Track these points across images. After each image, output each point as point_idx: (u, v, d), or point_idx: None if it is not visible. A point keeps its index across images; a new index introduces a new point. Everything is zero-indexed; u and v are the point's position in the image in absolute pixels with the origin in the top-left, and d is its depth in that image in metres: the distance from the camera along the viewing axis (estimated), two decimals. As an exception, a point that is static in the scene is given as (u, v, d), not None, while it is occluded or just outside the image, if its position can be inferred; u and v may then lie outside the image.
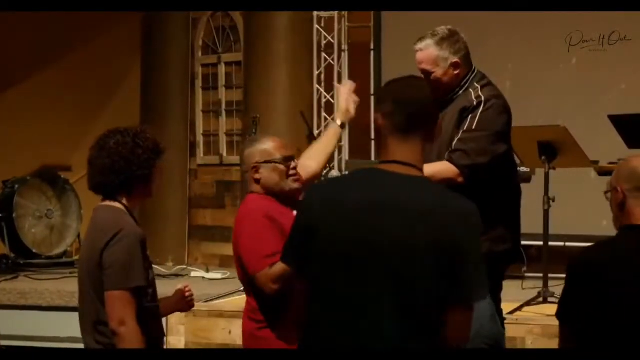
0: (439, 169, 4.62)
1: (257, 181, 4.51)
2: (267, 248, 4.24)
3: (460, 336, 3.06)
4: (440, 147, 4.71)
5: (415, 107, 3.15)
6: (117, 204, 4.03)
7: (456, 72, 4.89)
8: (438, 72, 4.87)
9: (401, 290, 2.99)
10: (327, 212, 3.07)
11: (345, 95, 5.02)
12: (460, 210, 3.07)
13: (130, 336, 3.84)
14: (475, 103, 4.79)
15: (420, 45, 4.94)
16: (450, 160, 4.68)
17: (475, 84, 4.91)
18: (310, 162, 4.75)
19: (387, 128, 3.14)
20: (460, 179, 4.66)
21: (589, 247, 3.70)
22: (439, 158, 4.72)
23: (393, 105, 3.16)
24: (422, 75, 4.88)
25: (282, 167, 4.50)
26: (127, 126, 4.15)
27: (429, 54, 4.89)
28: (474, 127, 4.74)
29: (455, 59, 4.88)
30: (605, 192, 3.76)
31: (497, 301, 4.90)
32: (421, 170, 3.12)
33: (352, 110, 5.00)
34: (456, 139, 4.74)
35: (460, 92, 4.90)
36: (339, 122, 5.00)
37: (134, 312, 3.85)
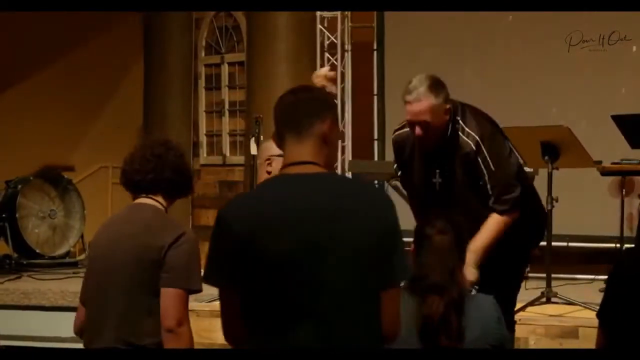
0: (496, 228, 4.88)
1: (269, 173, 4.59)
2: None
3: (392, 324, 3.11)
4: (460, 193, 4.94)
5: (292, 109, 3.22)
6: (157, 204, 4.11)
7: (447, 117, 4.93)
8: (435, 120, 4.89)
9: (343, 286, 3.03)
10: (250, 225, 3.08)
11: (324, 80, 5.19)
12: (379, 196, 3.18)
13: (186, 337, 3.91)
14: (474, 146, 4.90)
15: (413, 96, 4.90)
16: (497, 213, 4.90)
17: (457, 119, 4.98)
18: None
19: (281, 136, 3.23)
20: (512, 217, 4.92)
21: (632, 248, 3.68)
22: (465, 204, 4.90)
23: (280, 112, 3.24)
24: (415, 125, 4.93)
25: None
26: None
27: (427, 105, 4.88)
28: (493, 168, 4.90)
29: (447, 106, 4.91)
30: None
31: (514, 302, 5.18)
32: (321, 166, 3.17)
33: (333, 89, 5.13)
34: (489, 190, 4.91)
35: (449, 133, 4.95)
36: None
37: (187, 313, 3.92)
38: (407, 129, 5.07)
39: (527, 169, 7.86)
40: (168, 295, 3.89)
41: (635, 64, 8.71)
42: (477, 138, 4.90)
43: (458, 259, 3.82)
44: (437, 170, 4.99)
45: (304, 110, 3.21)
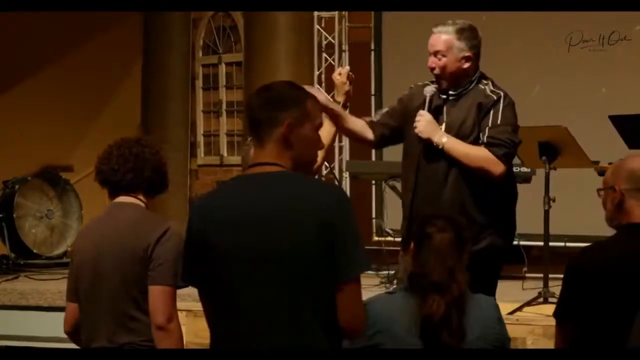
0: (483, 154, 4.84)
1: None
2: None
3: (353, 319, 3.11)
4: (459, 139, 4.89)
5: (250, 112, 3.28)
6: (139, 202, 4.12)
7: (465, 65, 4.94)
8: (449, 58, 4.92)
9: (295, 285, 3.07)
10: (211, 223, 3.16)
11: (342, 78, 5.13)
12: (327, 190, 3.20)
13: (176, 333, 3.94)
14: (494, 98, 4.94)
15: (439, 29, 4.97)
16: (490, 151, 4.85)
17: (483, 80, 4.99)
18: None
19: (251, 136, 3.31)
20: (500, 169, 4.87)
21: (587, 246, 3.71)
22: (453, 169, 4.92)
23: (245, 116, 3.34)
24: (431, 58, 4.95)
25: None
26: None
27: (446, 38, 4.94)
28: (499, 122, 4.90)
29: (468, 53, 4.93)
30: (599, 190, 3.76)
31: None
32: (281, 166, 3.20)
33: (348, 86, 5.10)
34: (486, 133, 4.88)
35: (470, 87, 4.95)
36: (340, 100, 5.08)
37: (175, 308, 3.94)
38: (429, 84, 5.08)
39: (524, 169, 7.91)
40: (156, 293, 3.91)
41: (636, 64, 8.71)
42: (502, 94, 4.96)
43: (458, 259, 3.82)
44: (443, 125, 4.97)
45: (261, 115, 3.24)
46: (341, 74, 5.16)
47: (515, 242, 8.14)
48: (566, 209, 7.40)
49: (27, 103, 11.00)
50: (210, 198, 3.29)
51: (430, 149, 4.92)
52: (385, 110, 5.32)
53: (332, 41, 9.78)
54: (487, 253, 4.96)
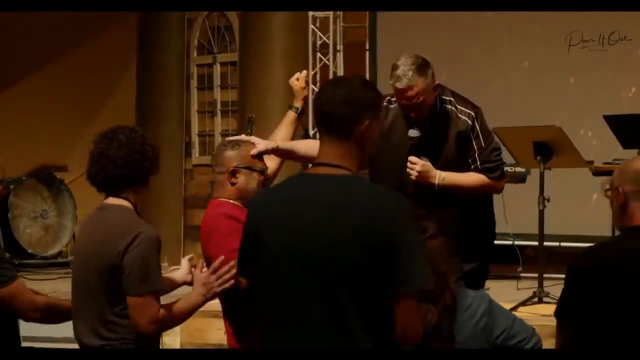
0: (484, 182, 4.99)
1: (233, 184, 4.41)
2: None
3: (407, 331, 3.07)
4: (444, 168, 4.97)
5: (328, 108, 3.16)
6: (125, 202, 4.01)
7: (435, 92, 4.98)
8: (426, 98, 4.94)
9: (340, 289, 3.02)
10: (266, 221, 3.12)
11: (301, 83, 5.08)
12: (389, 202, 3.10)
13: (156, 337, 3.97)
14: (469, 122, 5.00)
15: (405, 83, 4.91)
16: (489, 177, 5.02)
17: (443, 97, 5.02)
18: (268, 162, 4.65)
19: (318, 131, 3.21)
20: (500, 186, 5.10)
21: (590, 247, 3.70)
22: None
23: (315, 108, 3.21)
24: (408, 108, 4.99)
25: (260, 177, 4.43)
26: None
27: (420, 89, 4.93)
28: (484, 145, 5.00)
29: (435, 83, 4.96)
30: (606, 191, 3.73)
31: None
32: (348, 169, 3.13)
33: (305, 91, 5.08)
34: (478, 161, 5.00)
35: (438, 107, 4.99)
36: (297, 106, 5.03)
37: (157, 312, 3.87)
38: (394, 105, 5.10)
39: (519, 169, 7.92)
40: (130, 302, 3.85)
41: (636, 64, 8.72)
42: (473, 114, 5.00)
43: (449, 261, 3.77)
44: (421, 151, 5.00)
45: (340, 111, 3.13)
46: (299, 79, 5.10)
47: (509, 242, 8.19)
48: (561, 208, 7.42)
49: (23, 104, 10.99)
50: (267, 195, 3.26)
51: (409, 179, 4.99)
52: None
53: (327, 41, 9.77)
54: (478, 272, 5.07)
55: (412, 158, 4.96)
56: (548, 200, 6.67)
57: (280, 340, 3.10)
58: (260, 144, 4.53)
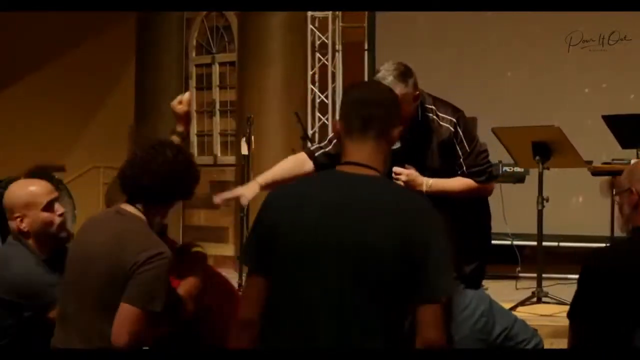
0: (472, 187, 4.91)
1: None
2: None
3: (432, 336, 3.04)
4: (431, 177, 4.91)
5: (366, 108, 3.16)
6: (140, 214, 3.91)
7: (416, 103, 4.94)
8: (407, 108, 4.91)
9: (363, 289, 3.01)
10: (288, 214, 3.10)
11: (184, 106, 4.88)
12: (420, 207, 3.10)
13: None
14: (452, 129, 4.93)
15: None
16: (476, 181, 4.95)
17: (426, 106, 4.99)
18: None
19: (344, 130, 3.17)
20: (489, 189, 5.01)
21: (602, 247, 3.69)
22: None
23: (348, 107, 3.18)
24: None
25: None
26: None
27: (398, 94, 4.90)
28: (468, 149, 4.93)
29: (416, 92, 4.92)
30: (615, 194, 3.72)
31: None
32: (378, 170, 3.14)
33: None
34: (464, 166, 4.93)
35: (419, 118, 4.96)
36: (180, 130, 4.83)
37: (141, 331, 3.75)
38: None
39: (518, 169, 7.91)
40: (122, 311, 3.74)
41: (636, 64, 8.73)
42: (454, 120, 4.94)
43: None
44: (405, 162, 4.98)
45: (378, 111, 3.15)
46: (182, 102, 4.88)
47: (508, 242, 8.19)
48: (560, 208, 7.41)
49: (21, 104, 10.99)
50: (292, 190, 3.21)
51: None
52: (332, 140, 5.25)
53: (326, 41, 9.78)
54: (476, 274, 5.05)
55: (396, 169, 4.93)
56: (547, 200, 6.66)
57: (285, 337, 3.07)
58: (245, 196, 4.58)
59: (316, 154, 5.08)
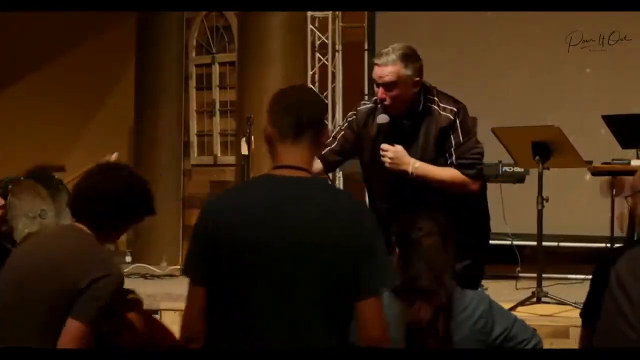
0: (457, 178, 4.91)
1: None
2: None
3: (375, 333, 3.08)
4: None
5: (300, 111, 3.19)
6: (87, 229, 3.89)
7: (415, 90, 4.93)
8: (400, 88, 4.89)
9: (307, 290, 3.04)
10: (227, 220, 3.11)
11: None
12: (355, 206, 3.17)
13: None
14: (451, 118, 4.95)
15: (382, 60, 4.92)
16: (463, 173, 4.94)
17: (429, 96, 4.99)
18: None
19: (276, 135, 3.21)
20: (476, 186, 4.97)
21: (615, 248, 3.69)
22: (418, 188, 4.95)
23: (281, 112, 3.22)
24: (380, 89, 4.93)
25: None
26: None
27: (392, 69, 4.91)
28: (461, 140, 4.94)
29: (417, 78, 4.91)
30: (627, 197, 3.70)
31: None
32: (311, 173, 3.19)
33: None
34: (454, 155, 4.94)
35: (420, 108, 4.95)
36: None
37: (84, 345, 3.68)
38: (367, 103, 5.10)
39: (518, 169, 7.92)
40: (69, 326, 3.69)
41: (636, 64, 8.73)
42: (455, 110, 4.96)
43: (446, 261, 3.77)
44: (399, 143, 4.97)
45: (305, 115, 3.19)
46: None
47: (508, 242, 8.19)
48: (559, 208, 7.41)
49: (21, 104, 10.99)
50: (230, 197, 3.22)
51: (399, 176, 4.95)
52: (336, 136, 5.25)
53: (326, 41, 9.78)
54: (472, 270, 5.04)
55: (383, 145, 4.94)
56: (547, 200, 6.66)
57: (234, 343, 3.08)
58: None
59: (323, 153, 5.10)
